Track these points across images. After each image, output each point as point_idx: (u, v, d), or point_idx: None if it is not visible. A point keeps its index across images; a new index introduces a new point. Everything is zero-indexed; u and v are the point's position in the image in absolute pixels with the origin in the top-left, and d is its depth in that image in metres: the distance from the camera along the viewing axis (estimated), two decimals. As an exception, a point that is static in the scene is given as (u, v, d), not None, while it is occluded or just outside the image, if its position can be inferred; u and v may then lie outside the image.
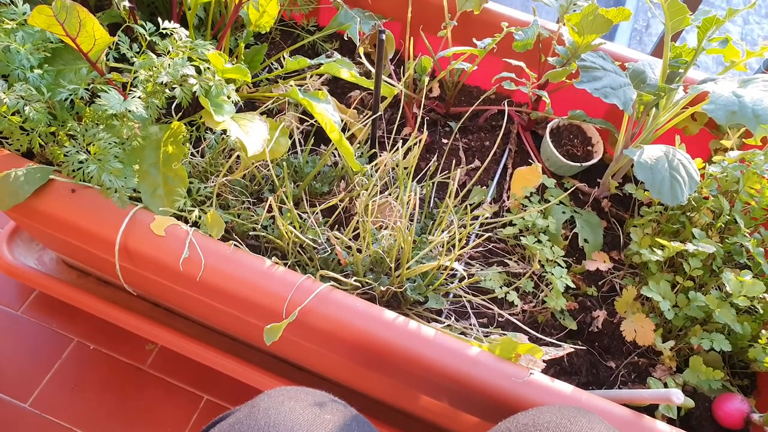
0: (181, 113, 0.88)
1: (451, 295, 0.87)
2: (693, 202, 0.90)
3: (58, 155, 0.72)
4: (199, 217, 0.76)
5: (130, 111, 0.70)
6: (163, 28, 0.74)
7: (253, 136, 0.71)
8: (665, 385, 0.81)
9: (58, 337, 1.11)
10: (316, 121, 0.91)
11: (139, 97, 0.72)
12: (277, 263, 0.71)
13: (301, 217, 0.83)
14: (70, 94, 0.71)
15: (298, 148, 0.94)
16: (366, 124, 0.94)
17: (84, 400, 1.05)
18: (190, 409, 1.07)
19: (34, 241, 1.13)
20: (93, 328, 1.12)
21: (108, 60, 0.79)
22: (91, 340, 1.11)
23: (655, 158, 0.79)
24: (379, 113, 0.89)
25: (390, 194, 0.88)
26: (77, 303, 1.07)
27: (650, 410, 0.78)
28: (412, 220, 0.88)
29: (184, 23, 0.93)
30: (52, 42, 0.74)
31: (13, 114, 0.69)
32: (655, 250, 0.84)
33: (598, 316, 0.89)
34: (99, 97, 0.70)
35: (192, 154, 0.87)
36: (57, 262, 1.10)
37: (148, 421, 1.04)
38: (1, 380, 1.06)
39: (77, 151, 0.69)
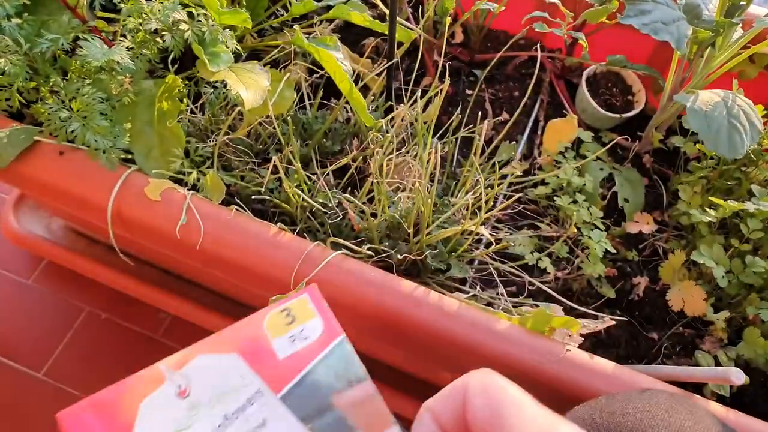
0: (177, 66, 0.81)
1: (476, 262, 0.79)
2: (751, 155, 0.79)
3: (42, 114, 0.66)
4: (198, 180, 0.69)
5: (117, 62, 0.63)
6: (150, -32, 0.65)
7: (252, 87, 0.63)
8: (715, 359, 0.74)
9: (69, 306, 1.09)
10: (326, 73, 0.83)
11: (128, 48, 0.65)
12: (283, 229, 0.65)
13: (310, 179, 0.76)
14: (50, 45, 0.64)
15: (307, 103, 0.86)
16: (381, 74, 0.85)
17: (97, 370, 1.03)
18: (205, 378, 1.04)
19: (42, 208, 1.09)
20: (104, 297, 1.08)
21: (94, 8, 0.72)
22: (103, 309, 1.08)
23: (712, 104, 0.69)
24: (395, 60, 0.80)
25: (408, 152, 0.80)
26: (86, 272, 1.03)
27: (696, 385, 0.71)
28: (432, 181, 0.80)
29: (178, -34, 0.85)
30: (30, -13, 0.66)
31: (-13, 68, 0.63)
32: (707, 209, 0.75)
33: (639, 282, 0.81)
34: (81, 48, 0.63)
35: (192, 111, 0.79)
36: (65, 230, 1.06)
37: (162, 391, 1.02)
38: (14, 350, 1.04)
39: (59, 109, 0.63)
